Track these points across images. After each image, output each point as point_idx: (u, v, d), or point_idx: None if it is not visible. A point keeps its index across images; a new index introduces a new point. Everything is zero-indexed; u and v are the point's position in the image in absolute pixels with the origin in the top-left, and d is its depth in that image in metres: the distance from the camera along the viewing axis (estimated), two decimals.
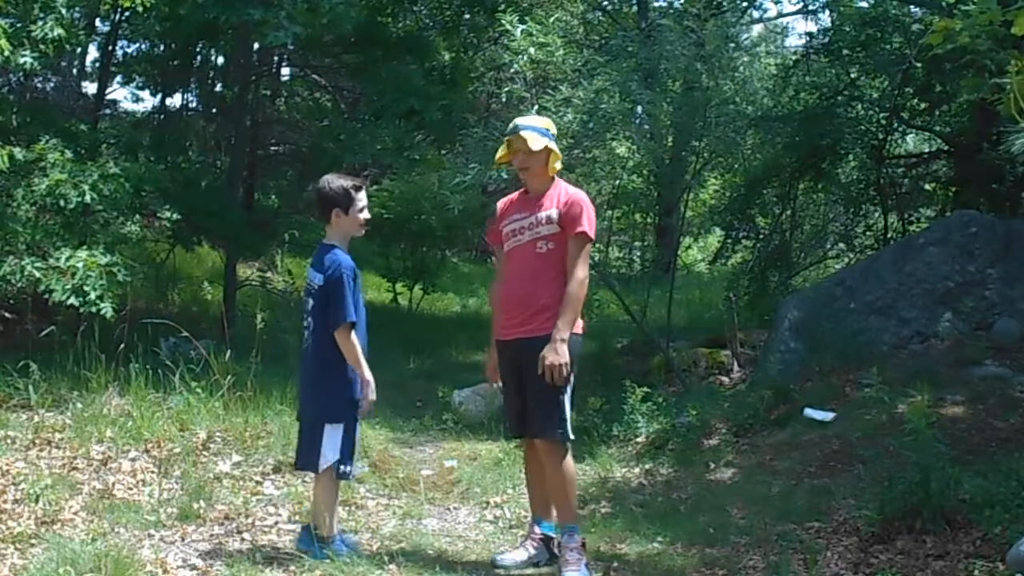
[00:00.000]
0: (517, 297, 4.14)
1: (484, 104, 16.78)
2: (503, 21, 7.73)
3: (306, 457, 4.23)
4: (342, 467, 4.13)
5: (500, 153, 4.25)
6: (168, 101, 12.50)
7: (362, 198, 4.24)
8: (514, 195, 4.39)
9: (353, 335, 4.08)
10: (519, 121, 4.23)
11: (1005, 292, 6.86)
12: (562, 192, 4.19)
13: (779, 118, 9.65)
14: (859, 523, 4.40)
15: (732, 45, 8.41)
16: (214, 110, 13.12)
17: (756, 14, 15.90)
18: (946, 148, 10.68)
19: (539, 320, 4.06)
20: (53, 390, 6.02)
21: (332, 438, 4.11)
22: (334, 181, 4.25)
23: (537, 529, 4.29)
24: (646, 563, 4.31)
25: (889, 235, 10.30)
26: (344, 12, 8.47)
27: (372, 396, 4.11)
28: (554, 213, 4.10)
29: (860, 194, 10.75)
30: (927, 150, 11.82)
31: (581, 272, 4.07)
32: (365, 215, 4.26)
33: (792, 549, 4.28)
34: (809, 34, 12.37)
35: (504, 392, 4.35)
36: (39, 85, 13.05)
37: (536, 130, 4.14)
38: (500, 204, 4.38)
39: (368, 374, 4.10)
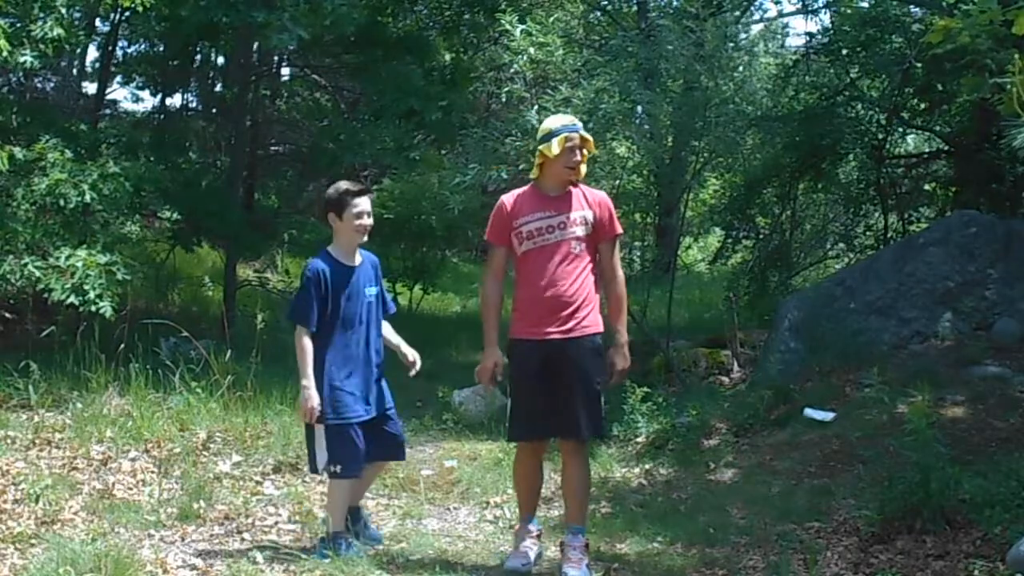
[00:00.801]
0: (555, 297, 4.05)
1: (484, 104, 16.76)
2: (503, 21, 7.74)
3: (309, 460, 4.30)
4: (331, 467, 4.15)
5: (559, 149, 4.09)
6: (168, 101, 12.49)
7: (360, 203, 4.18)
8: (521, 192, 4.24)
9: (306, 339, 4.08)
10: (576, 122, 4.25)
11: (1005, 292, 6.87)
12: (587, 192, 4.21)
13: (779, 118, 9.64)
14: (859, 523, 4.40)
15: (731, 45, 8.41)
16: (214, 110, 13.11)
17: (756, 15, 15.92)
18: (946, 148, 10.68)
19: (577, 320, 4.06)
20: (53, 390, 6.03)
21: (320, 437, 4.16)
22: (334, 185, 4.29)
23: (532, 527, 4.30)
24: (646, 563, 4.31)
25: (889, 235, 10.30)
26: (346, 13, 8.47)
27: (306, 406, 4.06)
28: (589, 214, 4.12)
29: (860, 194, 10.76)
30: (927, 150, 11.81)
31: (622, 273, 4.22)
32: (362, 221, 4.19)
33: (792, 549, 4.27)
34: (809, 34, 12.39)
35: (525, 392, 4.18)
36: (39, 85, 13.05)
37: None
38: (509, 202, 4.18)
39: (306, 381, 4.05)
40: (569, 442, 4.14)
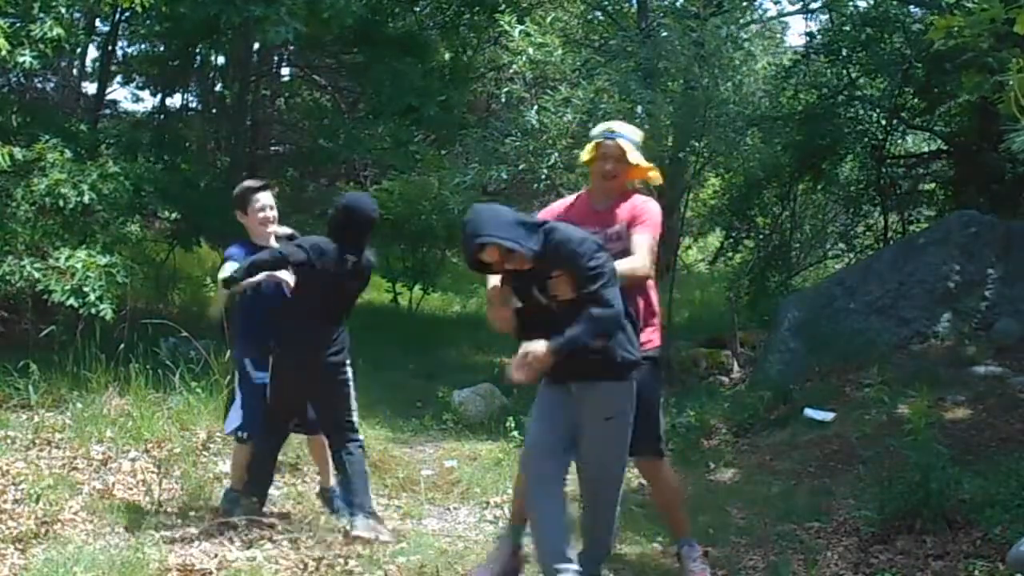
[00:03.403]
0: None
1: (484, 104, 16.76)
2: (502, 22, 7.74)
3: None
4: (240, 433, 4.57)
5: (587, 156, 3.91)
6: (168, 101, 12.48)
7: (260, 198, 4.59)
8: (569, 203, 3.93)
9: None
10: (616, 128, 3.95)
11: (1005, 292, 6.87)
12: (633, 203, 3.91)
13: (779, 118, 9.65)
14: (859, 523, 4.40)
15: (731, 45, 8.41)
16: (214, 110, 13.10)
17: (756, 15, 15.89)
18: (946, 148, 10.69)
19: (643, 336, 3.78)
20: (53, 390, 6.02)
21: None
22: (239, 185, 4.71)
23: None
24: (646, 563, 4.31)
25: (889, 235, 10.31)
26: (345, 7, 8.45)
27: None
28: (623, 228, 3.82)
29: (860, 194, 10.77)
30: (927, 150, 11.82)
31: (627, 266, 3.73)
32: (265, 214, 4.62)
33: (792, 549, 4.27)
34: (809, 34, 12.37)
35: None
36: (39, 85, 13.04)
37: (632, 141, 3.92)
38: (557, 208, 3.91)
39: None
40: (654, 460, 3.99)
